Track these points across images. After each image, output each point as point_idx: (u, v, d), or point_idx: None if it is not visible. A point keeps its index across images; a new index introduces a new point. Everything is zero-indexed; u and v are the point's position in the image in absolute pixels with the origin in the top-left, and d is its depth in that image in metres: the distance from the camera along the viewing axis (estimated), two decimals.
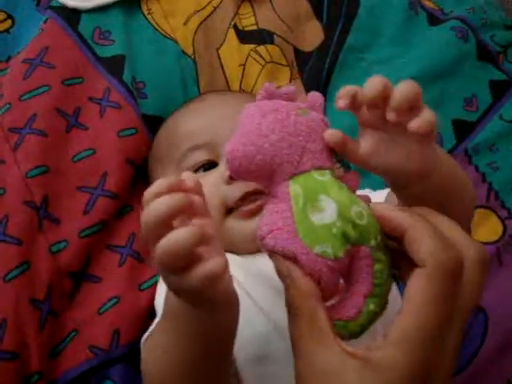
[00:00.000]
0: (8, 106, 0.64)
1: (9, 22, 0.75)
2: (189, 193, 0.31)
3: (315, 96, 0.35)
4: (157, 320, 0.47)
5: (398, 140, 0.34)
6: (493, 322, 0.61)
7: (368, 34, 0.79)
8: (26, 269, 0.55)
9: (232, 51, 0.75)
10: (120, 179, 0.62)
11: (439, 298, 0.27)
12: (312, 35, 0.78)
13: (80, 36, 0.70)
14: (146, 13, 0.76)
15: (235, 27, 0.77)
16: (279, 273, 0.30)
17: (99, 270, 0.59)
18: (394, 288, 0.32)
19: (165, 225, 0.29)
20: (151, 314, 0.56)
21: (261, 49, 0.75)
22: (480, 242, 0.66)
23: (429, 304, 0.27)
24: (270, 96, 0.34)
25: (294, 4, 0.81)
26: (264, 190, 0.33)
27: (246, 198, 0.49)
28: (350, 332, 0.30)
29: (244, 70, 0.73)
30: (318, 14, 0.80)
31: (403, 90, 0.33)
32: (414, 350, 0.26)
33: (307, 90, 0.73)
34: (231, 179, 0.49)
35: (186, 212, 0.31)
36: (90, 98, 0.67)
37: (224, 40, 0.76)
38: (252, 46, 0.75)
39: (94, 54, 0.70)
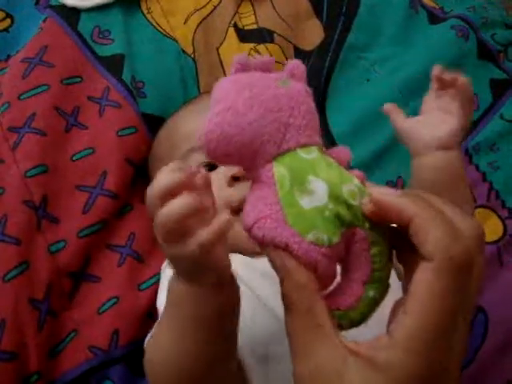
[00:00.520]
0: (7, 105, 0.64)
1: (8, 21, 0.75)
2: (199, 190, 0.31)
3: (295, 63, 0.31)
4: (159, 320, 0.47)
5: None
6: (493, 322, 0.60)
7: (368, 33, 0.79)
8: (24, 269, 0.55)
9: (232, 50, 0.74)
10: (119, 178, 0.62)
11: (448, 294, 0.25)
12: (312, 34, 0.78)
13: (79, 35, 0.70)
14: (145, 12, 0.75)
15: (235, 26, 0.76)
16: (273, 265, 0.28)
17: (98, 269, 0.59)
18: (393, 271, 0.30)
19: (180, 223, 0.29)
20: (150, 314, 0.56)
21: (261, 47, 0.75)
22: None
23: (437, 302, 0.25)
24: (245, 68, 0.30)
25: (294, 3, 0.81)
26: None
27: None
28: (350, 321, 0.28)
29: None
30: (318, 13, 0.79)
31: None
32: (421, 351, 0.25)
33: None
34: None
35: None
36: (90, 98, 0.66)
37: (224, 39, 0.76)
38: (252, 44, 0.75)
39: (93, 53, 0.70)
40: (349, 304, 0.28)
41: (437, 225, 0.26)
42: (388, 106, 0.51)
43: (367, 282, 0.28)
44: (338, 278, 0.29)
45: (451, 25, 0.78)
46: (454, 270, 0.25)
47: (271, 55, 0.74)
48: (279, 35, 0.77)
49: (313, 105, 0.30)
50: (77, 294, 0.57)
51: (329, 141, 0.70)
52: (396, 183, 0.69)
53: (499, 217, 0.67)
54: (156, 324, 0.41)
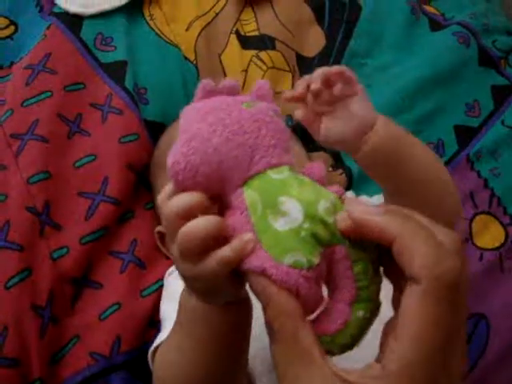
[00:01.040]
0: (10, 112, 0.64)
1: (12, 28, 0.76)
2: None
3: (261, 84, 0.30)
4: (162, 333, 0.47)
5: (340, 111, 0.42)
6: (495, 330, 0.60)
7: (370, 40, 0.79)
8: (27, 275, 0.55)
9: (234, 57, 0.75)
10: (121, 185, 0.62)
11: (439, 316, 0.24)
12: (314, 41, 0.78)
13: (82, 42, 0.70)
14: (148, 19, 0.76)
15: (237, 33, 0.77)
16: (254, 292, 0.27)
17: (100, 276, 0.59)
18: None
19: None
20: (152, 320, 0.56)
21: (263, 54, 0.75)
22: (483, 248, 0.66)
23: (429, 326, 0.24)
24: (209, 94, 0.29)
25: (296, 10, 0.81)
26: None
27: None
28: (340, 346, 0.27)
29: (246, 75, 0.73)
30: (319, 20, 0.80)
31: (319, 72, 0.42)
32: (416, 378, 0.24)
33: None
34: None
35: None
36: (92, 104, 0.67)
37: (226, 45, 0.76)
38: (254, 51, 0.76)
39: (96, 59, 0.70)
40: (336, 328, 0.27)
41: (421, 244, 0.25)
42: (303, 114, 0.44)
43: (354, 302, 0.27)
44: (327, 300, 0.28)
45: (452, 31, 0.78)
46: (442, 289, 0.24)
47: (273, 62, 0.74)
48: (281, 42, 0.77)
49: (281, 123, 0.29)
50: (79, 300, 0.57)
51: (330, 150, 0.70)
52: None
53: (501, 223, 0.67)
54: (165, 340, 0.41)
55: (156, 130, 0.67)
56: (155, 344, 0.46)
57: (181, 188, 0.28)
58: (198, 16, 0.77)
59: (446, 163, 0.69)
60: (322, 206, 0.27)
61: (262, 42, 0.77)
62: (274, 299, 0.26)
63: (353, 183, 0.67)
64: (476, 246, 0.66)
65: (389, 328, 0.26)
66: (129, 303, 0.57)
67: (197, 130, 0.28)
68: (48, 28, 0.72)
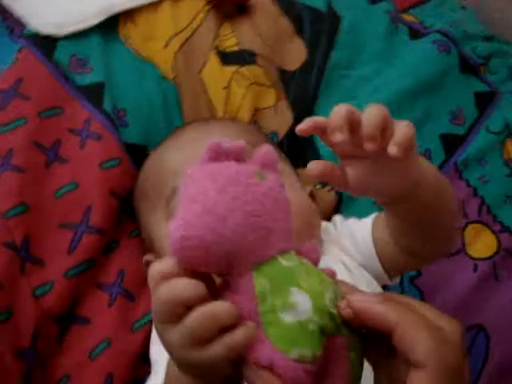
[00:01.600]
0: None
1: None
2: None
3: (267, 152, 0.29)
4: (154, 379, 0.45)
5: (382, 162, 0.34)
6: (494, 340, 0.60)
7: (350, 50, 0.78)
8: (8, 317, 0.52)
9: (215, 74, 0.73)
10: (105, 213, 0.59)
11: None
12: (295, 54, 0.77)
13: (56, 65, 0.67)
14: (124, 38, 0.73)
15: (216, 49, 0.75)
16: (250, 381, 0.26)
17: (88, 310, 0.56)
18: None
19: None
20: (144, 355, 0.54)
21: (243, 70, 0.74)
22: (476, 258, 0.65)
23: None
24: (217, 156, 0.28)
25: (275, 22, 0.80)
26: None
27: None
28: None
29: (229, 92, 0.71)
30: (299, 32, 0.79)
31: (371, 117, 0.33)
32: None
33: (294, 111, 0.72)
34: None
35: None
36: (70, 130, 0.64)
37: (205, 62, 0.74)
38: (234, 67, 0.74)
39: (72, 82, 0.67)
40: None
41: (422, 331, 0.26)
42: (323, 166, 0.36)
43: None
44: None
45: (432, 40, 0.78)
46: (448, 372, 0.25)
47: (253, 79, 0.73)
48: (261, 56, 0.76)
49: (287, 199, 0.28)
50: (66, 337, 0.55)
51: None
52: None
53: (492, 231, 0.67)
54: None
55: (138, 152, 0.65)
56: None
57: (183, 264, 0.26)
58: (175, 33, 0.75)
59: None
60: (328, 298, 0.27)
61: (241, 58, 0.75)
62: None
63: (343, 200, 0.66)
64: (469, 256, 0.65)
65: None
66: (119, 339, 0.54)
67: (213, 203, 0.26)
68: (20, 51, 0.69)
